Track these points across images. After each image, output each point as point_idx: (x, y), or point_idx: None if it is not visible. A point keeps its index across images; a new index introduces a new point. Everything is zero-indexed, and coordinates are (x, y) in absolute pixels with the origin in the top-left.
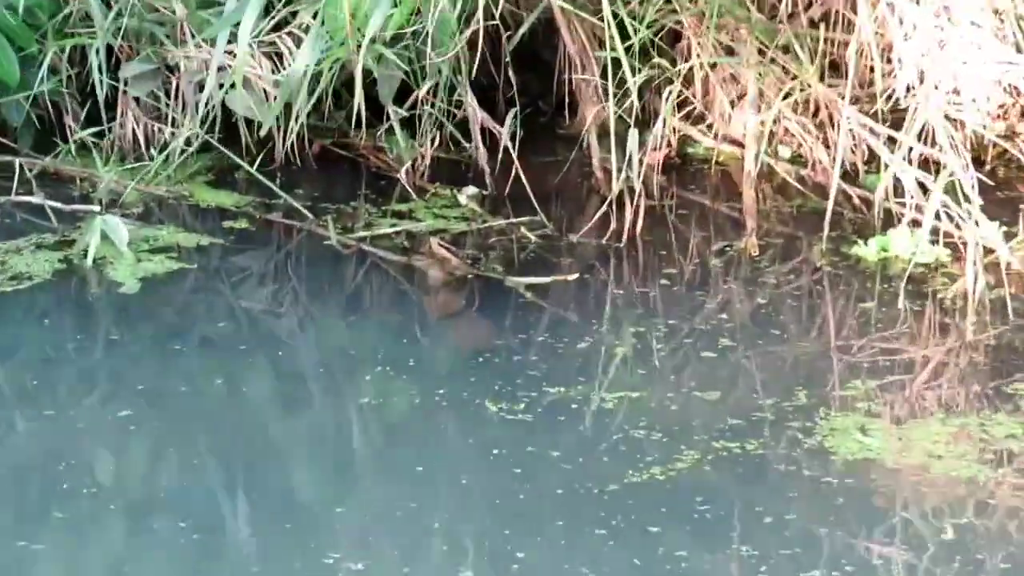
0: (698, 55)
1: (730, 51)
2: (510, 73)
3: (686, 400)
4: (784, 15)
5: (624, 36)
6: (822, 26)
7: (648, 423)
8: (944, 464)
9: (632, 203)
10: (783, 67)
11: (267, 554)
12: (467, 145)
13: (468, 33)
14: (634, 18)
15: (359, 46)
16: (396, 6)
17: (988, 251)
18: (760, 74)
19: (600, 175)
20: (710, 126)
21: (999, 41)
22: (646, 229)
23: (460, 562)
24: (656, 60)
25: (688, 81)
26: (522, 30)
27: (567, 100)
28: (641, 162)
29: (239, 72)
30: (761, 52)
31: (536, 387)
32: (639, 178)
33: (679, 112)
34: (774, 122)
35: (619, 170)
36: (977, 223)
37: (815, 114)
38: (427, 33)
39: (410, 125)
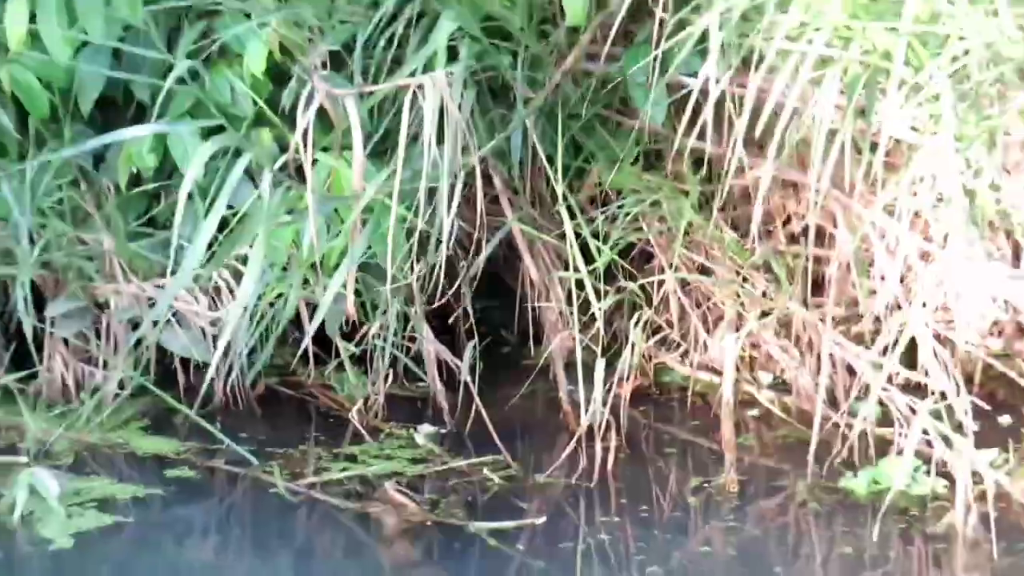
0: (673, 271)
1: (704, 271)
2: (468, 301)
3: None
4: (760, 232)
5: (589, 259)
6: (802, 241)
7: None
8: None
9: (601, 438)
10: (763, 288)
11: None
12: (424, 379)
13: (422, 265)
14: (598, 237)
15: (305, 280)
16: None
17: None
18: (737, 295)
19: (568, 408)
20: (686, 353)
21: (993, 254)
22: (618, 466)
23: None
24: (624, 283)
25: (662, 304)
26: (482, 256)
27: (531, 328)
28: (611, 392)
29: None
30: (738, 272)
31: None
32: (608, 411)
33: (652, 338)
34: (753, 346)
35: (588, 402)
36: (964, 453)
37: (797, 338)
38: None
39: (362, 361)
